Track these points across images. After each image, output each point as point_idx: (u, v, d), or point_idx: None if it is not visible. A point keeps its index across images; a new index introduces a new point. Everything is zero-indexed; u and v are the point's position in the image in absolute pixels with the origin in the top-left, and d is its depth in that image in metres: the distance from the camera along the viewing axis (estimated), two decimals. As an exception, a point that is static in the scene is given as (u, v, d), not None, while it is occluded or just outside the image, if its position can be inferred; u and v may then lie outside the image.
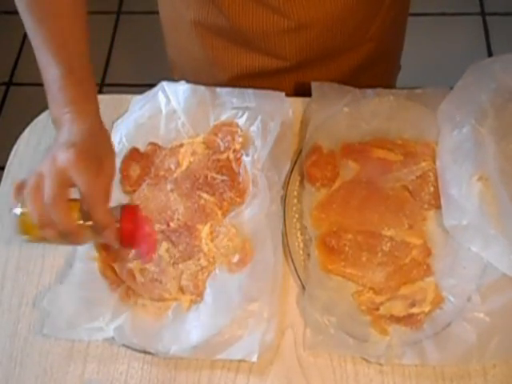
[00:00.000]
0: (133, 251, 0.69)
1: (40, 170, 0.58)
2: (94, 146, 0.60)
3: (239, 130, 0.78)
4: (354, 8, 0.77)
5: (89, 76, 0.65)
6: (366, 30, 0.84)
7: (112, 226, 0.60)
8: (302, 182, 0.75)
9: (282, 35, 0.78)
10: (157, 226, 0.73)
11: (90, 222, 0.58)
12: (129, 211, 0.63)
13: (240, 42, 0.81)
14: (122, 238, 0.62)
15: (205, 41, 0.84)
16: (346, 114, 0.78)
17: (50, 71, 0.63)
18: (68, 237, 0.58)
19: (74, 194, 0.58)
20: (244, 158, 0.76)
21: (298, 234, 0.72)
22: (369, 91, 0.79)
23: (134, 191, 0.76)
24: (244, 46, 0.82)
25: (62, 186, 0.56)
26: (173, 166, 0.77)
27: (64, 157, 0.57)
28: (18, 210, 0.59)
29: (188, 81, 0.82)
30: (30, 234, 0.60)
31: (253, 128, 0.78)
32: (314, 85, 0.79)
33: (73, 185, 0.57)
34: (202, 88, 0.81)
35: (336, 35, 0.80)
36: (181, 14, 0.83)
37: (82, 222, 0.59)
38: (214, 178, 0.75)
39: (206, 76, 0.88)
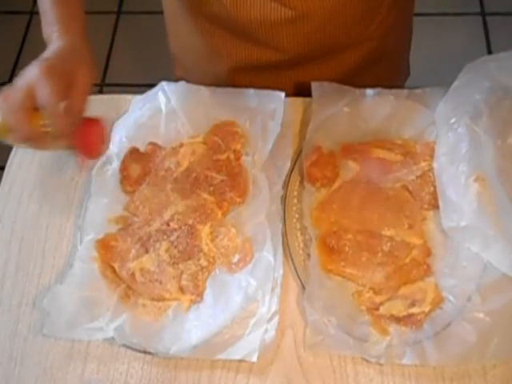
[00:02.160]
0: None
1: (15, 82, 0.64)
2: (67, 62, 0.66)
3: (239, 130, 0.78)
4: (353, 2, 0.77)
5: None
6: (366, 27, 0.84)
7: (68, 136, 0.65)
8: (301, 182, 0.75)
9: (279, 25, 0.78)
10: (157, 226, 0.73)
11: (50, 129, 0.65)
12: (87, 124, 0.68)
13: (239, 32, 0.81)
14: (80, 149, 0.69)
15: (204, 31, 0.84)
16: (346, 113, 0.78)
17: None
18: (30, 141, 0.65)
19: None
20: (244, 157, 0.76)
21: (298, 234, 0.72)
22: (369, 91, 0.79)
23: (134, 191, 0.76)
24: (242, 37, 0.82)
25: (26, 97, 0.62)
26: (173, 166, 0.77)
27: (32, 71, 0.63)
28: None
29: (188, 80, 0.82)
30: (6, 138, 0.66)
31: (253, 128, 0.78)
32: (314, 85, 0.79)
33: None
34: (202, 88, 0.81)
35: (334, 30, 0.80)
36: (181, 3, 0.83)
37: (43, 128, 0.64)
38: (214, 178, 0.75)
39: (206, 68, 0.88)
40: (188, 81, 0.82)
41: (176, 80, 0.82)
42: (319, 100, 0.78)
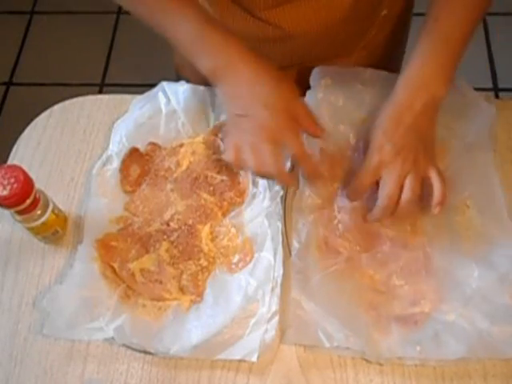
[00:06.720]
0: None
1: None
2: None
3: (239, 130, 0.78)
4: (340, 24, 0.77)
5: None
6: (355, 44, 0.84)
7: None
8: (302, 182, 0.75)
9: (267, 41, 0.79)
10: (157, 226, 0.73)
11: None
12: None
13: None
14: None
15: None
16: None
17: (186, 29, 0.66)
18: None
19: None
20: (244, 157, 0.76)
21: (298, 234, 0.72)
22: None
23: (134, 191, 0.76)
24: None
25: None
26: (173, 166, 0.77)
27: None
28: None
29: (188, 81, 0.82)
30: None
31: (253, 128, 0.78)
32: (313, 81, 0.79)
33: None
34: (201, 88, 0.81)
35: (322, 46, 0.80)
36: None
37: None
38: (214, 178, 0.75)
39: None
40: (183, 70, 0.80)
41: (175, 71, 0.80)
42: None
